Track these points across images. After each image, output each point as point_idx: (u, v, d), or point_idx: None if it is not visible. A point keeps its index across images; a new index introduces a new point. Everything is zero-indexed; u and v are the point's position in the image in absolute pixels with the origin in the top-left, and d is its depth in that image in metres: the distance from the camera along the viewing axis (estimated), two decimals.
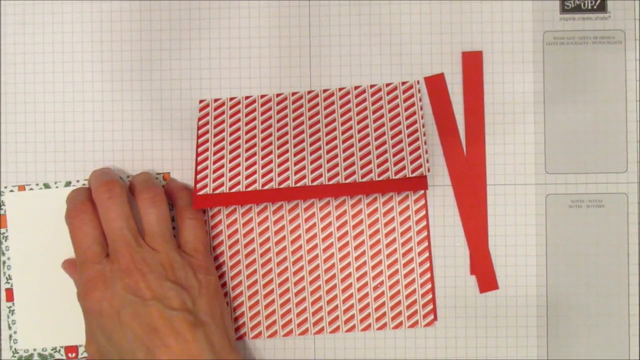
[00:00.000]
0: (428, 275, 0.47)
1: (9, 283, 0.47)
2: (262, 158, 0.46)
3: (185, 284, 0.43)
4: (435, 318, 0.47)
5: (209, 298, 0.44)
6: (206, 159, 0.47)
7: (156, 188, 0.45)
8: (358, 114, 0.47)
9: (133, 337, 0.42)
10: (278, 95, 0.48)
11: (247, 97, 0.48)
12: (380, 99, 0.47)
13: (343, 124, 0.47)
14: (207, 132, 0.47)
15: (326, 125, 0.47)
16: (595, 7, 0.47)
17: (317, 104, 0.47)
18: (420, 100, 0.47)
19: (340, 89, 0.47)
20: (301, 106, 0.47)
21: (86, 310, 0.43)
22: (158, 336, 0.41)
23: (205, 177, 0.46)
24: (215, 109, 0.47)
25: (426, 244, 0.47)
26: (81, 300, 0.44)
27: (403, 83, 0.47)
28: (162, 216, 0.45)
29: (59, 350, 0.48)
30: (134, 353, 0.41)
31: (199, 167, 0.47)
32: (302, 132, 0.47)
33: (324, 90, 0.47)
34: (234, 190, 0.46)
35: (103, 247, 0.44)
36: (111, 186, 0.44)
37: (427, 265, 0.47)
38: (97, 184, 0.44)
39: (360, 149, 0.46)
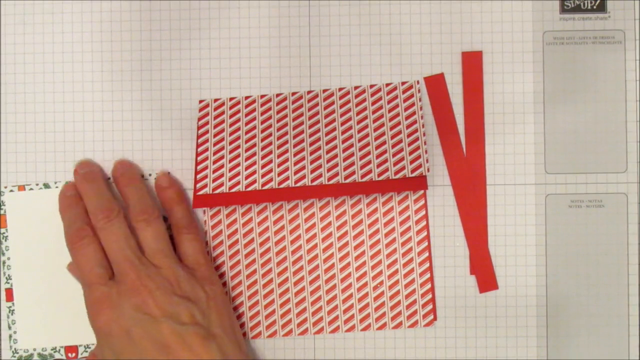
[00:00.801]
0: (428, 275, 0.47)
1: (9, 283, 0.47)
2: (262, 158, 0.46)
3: (192, 296, 0.43)
4: (435, 318, 0.47)
5: (218, 309, 0.44)
6: (206, 159, 0.47)
7: (150, 208, 0.45)
8: (358, 114, 0.47)
9: (145, 355, 0.42)
10: (278, 95, 0.48)
11: (247, 97, 0.48)
12: (380, 99, 0.47)
13: (343, 124, 0.47)
14: (207, 132, 0.47)
15: (326, 125, 0.47)
16: (595, 7, 0.47)
17: (317, 104, 0.47)
18: (420, 100, 0.47)
19: (340, 89, 0.47)
20: (301, 106, 0.47)
21: (95, 331, 0.43)
22: (170, 352, 0.41)
23: (205, 177, 0.47)
24: (215, 109, 0.47)
25: (426, 244, 0.47)
26: (90, 321, 0.44)
27: (403, 83, 0.47)
28: (159, 233, 0.45)
29: (59, 350, 0.48)
30: None
31: (199, 167, 0.47)
32: (301, 132, 0.47)
33: (324, 90, 0.47)
34: (233, 190, 0.46)
35: (106, 269, 0.44)
36: (108, 212, 0.44)
37: (427, 265, 0.47)
38: (94, 210, 0.45)
39: (360, 149, 0.46)
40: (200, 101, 0.48)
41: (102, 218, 0.44)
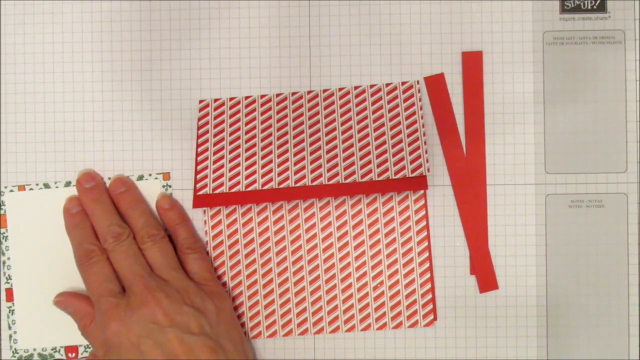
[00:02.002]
0: (428, 275, 0.47)
1: (9, 283, 0.47)
2: (262, 158, 0.46)
3: (202, 308, 0.43)
4: (435, 318, 0.47)
5: (227, 323, 0.44)
6: (206, 159, 0.47)
7: (155, 229, 0.45)
8: (358, 114, 0.47)
9: None
10: (278, 95, 0.48)
11: (247, 97, 0.48)
12: (380, 99, 0.47)
13: (343, 124, 0.47)
14: (207, 132, 0.47)
15: (326, 125, 0.47)
16: (595, 7, 0.47)
17: (317, 104, 0.47)
18: (420, 100, 0.47)
19: (340, 89, 0.47)
20: (301, 106, 0.47)
21: (105, 342, 0.43)
22: None
23: (205, 177, 0.47)
24: (215, 109, 0.47)
25: (426, 244, 0.47)
26: (91, 335, 0.44)
27: (403, 83, 0.47)
28: (166, 250, 0.45)
29: (59, 350, 0.48)
30: None
31: (199, 167, 0.47)
32: (302, 132, 0.47)
33: (324, 90, 0.47)
34: (233, 190, 0.46)
35: (115, 284, 0.44)
36: (118, 236, 0.45)
37: (427, 265, 0.47)
38: (103, 234, 0.45)
39: (360, 149, 0.46)
40: (200, 101, 0.48)
41: (112, 241, 0.45)
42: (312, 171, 0.46)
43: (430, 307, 0.47)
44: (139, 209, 0.46)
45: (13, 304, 0.47)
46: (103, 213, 0.46)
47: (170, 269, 0.45)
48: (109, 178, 0.47)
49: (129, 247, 0.45)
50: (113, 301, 0.43)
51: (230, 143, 0.47)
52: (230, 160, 0.47)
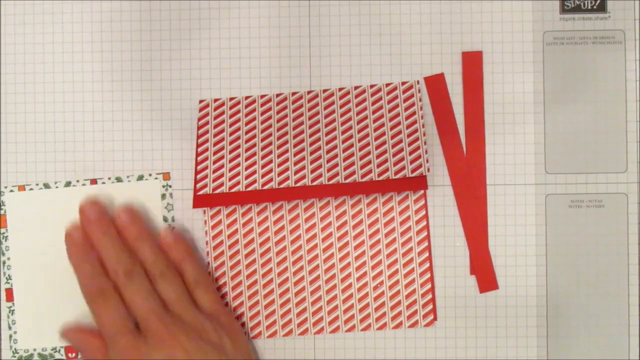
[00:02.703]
0: (428, 275, 0.47)
1: (9, 283, 0.47)
2: (262, 158, 0.47)
3: (219, 344, 0.43)
4: (435, 318, 0.47)
5: (243, 357, 0.44)
6: (206, 159, 0.47)
7: (164, 261, 0.45)
8: (358, 114, 0.47)
9: None
10: (278, 95, 0.48)
11: (247, 97, 0.48)
12: (380, 99, 0.47)
13: (343, 124, 0.47)
14: (207, 132, 0.47)
15: (326, 125, 0.47)
16: (595, 7, 0.47)
17: (317, 104, 0.47)
18: (420, 100, 0.47)
19: (340, 89, 0.47)
20: (301, 106, 0.47)
21: None
22: None
23: (205, 177, 0.47)
24: (215, 109, 0.47)
25: (426, 244, 0.47)
26: None
27: (403, 83, 0.47)
28: (177, 284, 0.44)
29: (59, 350, 0.48)
30: None
31: (199, 167, 0.47)
32: (302, 132, 0.47)
33: (324, 90, 0.47)
34: (233, 190, 0.46)
35: (129, 320, 0.43)
36: (129, 269, 0.44)
37: (427, 265, 0.47)
38: (114, 267, 0.44)
39: (360, 149, 0.46)
40: (200, 101, 0.48)
41: (123, 276, 0.44)
42: (312, 171, 0.46)
43: (430, 307, 0.47)
44: (147, 242, 0.45)
45: (13, 304, 0.47)
46: (112, 246, 0.45)
47: (183, 304, 0.44)
48: (109, 178, 0.47)
49: (142, 283, 0.44)
50: (130, 338, 0.42)
51: (230, 143, 0.47)
52: (230, 160, 0.47)
